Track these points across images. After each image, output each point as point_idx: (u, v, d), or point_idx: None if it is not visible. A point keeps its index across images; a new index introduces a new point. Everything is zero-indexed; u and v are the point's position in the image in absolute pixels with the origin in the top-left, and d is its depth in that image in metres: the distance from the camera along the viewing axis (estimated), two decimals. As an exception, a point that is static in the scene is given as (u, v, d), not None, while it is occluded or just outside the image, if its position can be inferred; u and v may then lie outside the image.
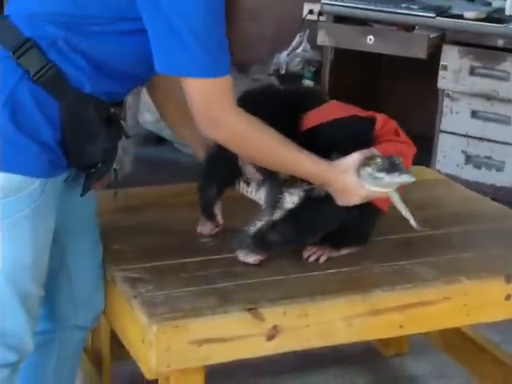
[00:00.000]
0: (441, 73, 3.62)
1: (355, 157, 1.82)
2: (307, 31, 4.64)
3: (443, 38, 3.63)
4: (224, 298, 1.74)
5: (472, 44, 3.58)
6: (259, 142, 1.75)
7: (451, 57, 3.60)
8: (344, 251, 1.97)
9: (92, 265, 1.88)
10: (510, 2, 3.73)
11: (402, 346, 2.72)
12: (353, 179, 1.81)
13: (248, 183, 2.03)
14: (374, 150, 1.87)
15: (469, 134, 3.68)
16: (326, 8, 4.05)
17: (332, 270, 1.89)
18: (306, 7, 4.77)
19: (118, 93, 1.76)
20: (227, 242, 1.96)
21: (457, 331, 2.48)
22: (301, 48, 4.62)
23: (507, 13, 3.73)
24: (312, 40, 4.46)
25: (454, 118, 3.69)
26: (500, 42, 3.52)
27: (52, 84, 1.63)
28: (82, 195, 1.78)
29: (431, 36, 3.60)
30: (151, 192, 2.33)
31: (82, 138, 1.68)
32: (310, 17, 4.76)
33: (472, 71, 3.58)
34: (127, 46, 1.67)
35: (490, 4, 3.93)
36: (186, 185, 2.26)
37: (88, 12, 1.63)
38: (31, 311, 1.71)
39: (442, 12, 3.72)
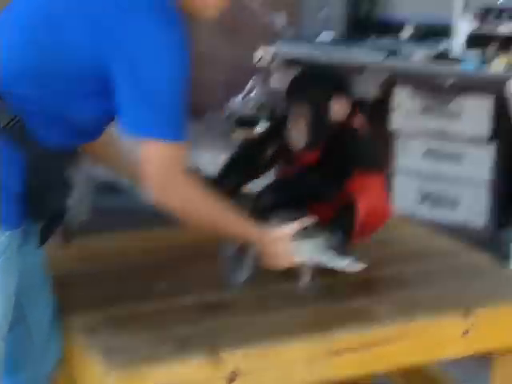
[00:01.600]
0: (393, 113, 3.68)
1: (289, 228, 1.96)
2: (260, 75, 4.69)
3: (393, 79, 3.69)
4: (182, 343, 1.73)
5: (422, 84, 3.64)
6: (206, 212, 1.82)
7: (402, 97, 3.66)
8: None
9: (46, 316, 1.85)
10: (457, 43, 3.81)
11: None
12: (282, 247, 1.94)
13: None
14: (307, 222, 1.99)
15: (422, 172, 3.73)
16: (279, 53, 4.10)
17: (293, 309, 1.89)
18: (258, 53, 4.83)
19: (78, 145, 1.80)
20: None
21: (418, 371, 2.48)
22: (254, 92, 4.67)
23: (454, 54, 3.80)
24: (265, 84, 4.52)
25: (407, 157, 3.74)
26: (449, 81, 3.59)
27: (17, 136, 1.67)
28: (40, 246, 1.77)
29: (382, 77, 3.66)
30: (106, 240, 2.33)
31: (45, 189, 1.71)
32: (260, 64, 4.82)
33: (423, 111, 3.64)
34: (93, 107, 1.71)
35: (436, 46, 4.01)
36: (139, 232, 2.30)
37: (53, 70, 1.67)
38: None
39: (391, 53, 3.78)
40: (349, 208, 2.09)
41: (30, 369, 1.85)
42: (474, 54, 3.68)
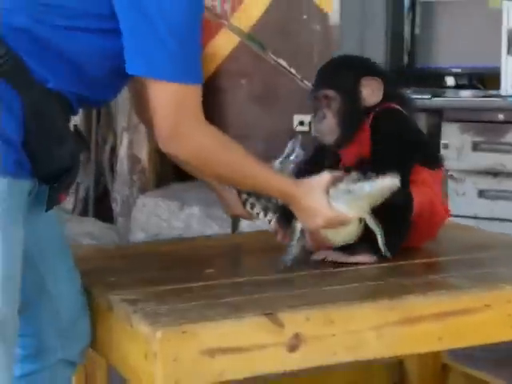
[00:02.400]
0: (442, 151, 3.51)
1: (324, 177, 1.71)
2: (299, 137, 4.57)
3: (441, 116, 3.54)
4: (236, 307, 1.53)
5: (471, 121, 3.49)
6: (226, 158, 1.64)
7: (451, 134, 3.49)
8: (356, 259, 1.79)
9: (72, 290, 1.67)
10: (504, 84, 3.67)
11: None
12: (318, 198, 1.70)
13: (252, 206, 1.90)
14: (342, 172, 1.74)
15: (478, 215, 3.52)
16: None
17: (355, 284, 1.68)
18: (296, 119, 4.74)
19: (84, 97, 1.60)
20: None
21: None
22: (294, 155, 4.54)
23: (502, 93, 3.67)
24: (304, 147, 4.40)
25: (460, 199, 3.54)
26: (500, 117, 3.44)
27: (13, 75, 1.48)
28: (47, 210, 1.58)
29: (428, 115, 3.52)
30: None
31: (47, 138, 1.52)
32: (300, 128, 4.71)
33: (475, 147, 3.47)
34: (93, 45, 1.54)
35: (483, 89, 3.89)
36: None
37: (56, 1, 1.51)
38: (8, 342, 1.49)
39: (437, 94, 3.66)
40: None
41: (61, 348, 1.64)
42: (523, 91, 3.55)
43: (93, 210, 4.61)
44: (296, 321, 1.49)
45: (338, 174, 1.72)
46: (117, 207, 4.56)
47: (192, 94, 1.56)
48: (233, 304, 1.54)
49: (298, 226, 1.77)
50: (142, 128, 4.58)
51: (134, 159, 4.57)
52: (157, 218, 4.32)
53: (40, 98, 1.50)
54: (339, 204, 1.69)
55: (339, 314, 1.52)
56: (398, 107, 1.90)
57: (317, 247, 1.82)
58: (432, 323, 1.59)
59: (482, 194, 3.51)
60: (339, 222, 1.71)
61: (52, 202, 1.58)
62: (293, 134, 4.55)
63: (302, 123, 4.80)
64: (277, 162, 4.81)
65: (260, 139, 4.80)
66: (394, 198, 1.73)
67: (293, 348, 1.49)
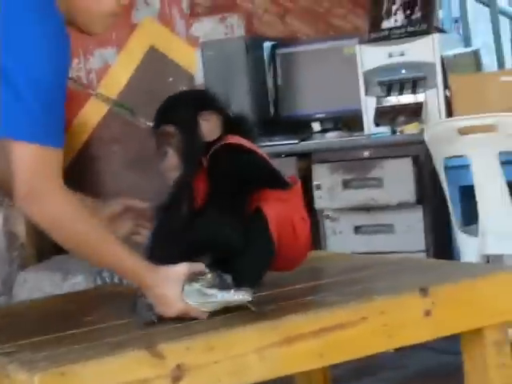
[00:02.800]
0: (316, 193, 3.60)
1: (182, 269, 1.68)
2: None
3: (310, 159, 3.65)
4: (117, 345, 1.52)
5: (339, 160, 3.61)
6: (79, 230, 1.61)
7: (322, 175, 3.60)
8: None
9: None
10: (367, 123, 3.82)
11: None
12: (172, 290, 1.66)
13: None
14: (203, 266, 1.71)
15: (355, 251, 3.61)
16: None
17: (236, 312, 1.69)
18: (173, 179, 4.77)
19: None
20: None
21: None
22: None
23: (366, 132, 3.81)
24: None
25: (337, 238, 3.63)
26: (366, 154, 3.57)
27: None
28: None
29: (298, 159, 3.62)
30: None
31: None
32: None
33: (346, 185, 3.58)
34: None
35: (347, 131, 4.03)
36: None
37: None
38: None
39: (305, 138, 3.77)
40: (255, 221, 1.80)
41: None
42: (385, 128, 3.70)
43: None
44: (177, 351, 1.49)
45: (197, 267, 1.69)
46: (-3, 286, 4.46)
47: (52, 157, 1.57)
48: (113, 342, 1.53)
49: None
50: (17, 203, 4.53)
51: (11, 235, 4.49)
52: (39, 292, 4.23)
53: None
54: (191, 302, 1.67)
55: (220, 340, 1.53)
56: (235, 141, 1.88)
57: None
58: (312, 340, 1.61)
59: (357, 230, 3.62)
60: (193, 315, 1.67)
61: None
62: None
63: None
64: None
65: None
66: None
67: (176, 379, 1.48)
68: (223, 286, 1.67)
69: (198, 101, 1.92)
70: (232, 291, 1.66)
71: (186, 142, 1.85)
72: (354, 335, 1.67)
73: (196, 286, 1.67)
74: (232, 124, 1.91)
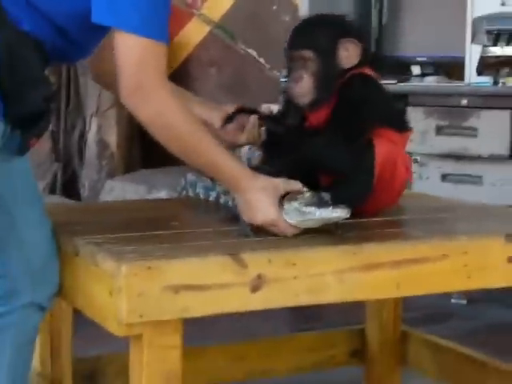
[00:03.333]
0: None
1: (279, 182, 1.68)
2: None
3: (406, 101, 3.61)
4: (201, 248, 1.56)
5: (436, 105, 3.56)
6: (181, 128, 1.60)
7: (416, 118, 3.56)
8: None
9: (43, 234, 1.68)
10: (468, 71, 3.75)
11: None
12: (267, 198, 1.64)
13: None
14: (300, 185, 1.70)
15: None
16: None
17: (318, 235, 1.72)
18: (265, 106, 4.78)
19: (58, 47, 1.62)
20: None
21: (451, 352, 2.30)
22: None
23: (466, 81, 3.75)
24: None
25: (424, 183, 3.60)
26: (463, 102, 3.51)
27: None
28: (19, 154, 1.60)
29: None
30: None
31: (21, 80, 1.53)
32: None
33: (439, 131, 3.53)
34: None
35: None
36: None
37: None
38: None
39: (403, 80, 3.73)
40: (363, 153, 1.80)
41: (31, 291, 1.66)
42: (486, 78, 3.62)
43: (60, 195, 4.61)
44: (259, 262, 1.53)
45: (294, 186, 1.69)
46: (84, 192, 4.57)
47: (160, 51, 1.57)
48: (198, 246, 1.58)
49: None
50: (111, 113, 4.61)
51: (102, 144, 4.58)
52: (124, 201, 4.34)
53: (14, 39, 1.52)
54: (289, 220, 1.66)
55: (301, 257, 1.57)
56: (368, 73, 1.90)
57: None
58: (391, 270, 1.63)
59: (445, 177, 3.58)
60: (281, 228, 1.66)
61: (24, 147, 1.59)
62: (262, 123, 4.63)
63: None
64: (245, 149, 4.86)
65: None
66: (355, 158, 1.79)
67: (255, 288, 1.52)
68: (321, 204, 1.65)
69: (338, 27, 1.91)
70: (330, 208, 1.64)
71: (323, 68, 1.86)
72: (433, 271, 1.67)
73: (294, 204, 1.66)
74: (367, 56, 1.90)
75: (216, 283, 1.49)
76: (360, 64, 1.89)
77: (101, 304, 1.52)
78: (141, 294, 1.43)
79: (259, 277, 1.52)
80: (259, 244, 1.61)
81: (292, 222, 1.66)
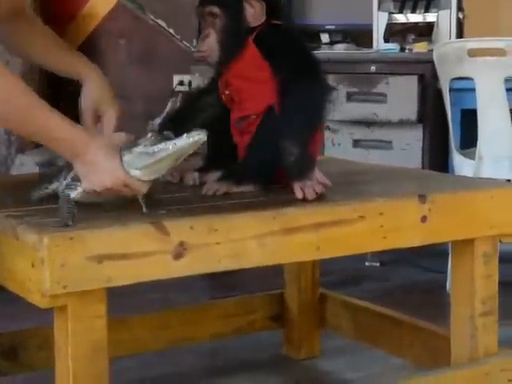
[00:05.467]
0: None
1: (116, 136, 1.61)
2: (179, 96, 4.60)
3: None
4: (123, 215, 1.57)
5: (345, 72, 3.61)
6: (9, 92, 1.48)
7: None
8: (243, 188, 1.83)
9: None
10: (376, 38, 3.81)
11: (314, 348, 2.54)
12: (110, 156, 1.53)
13: None
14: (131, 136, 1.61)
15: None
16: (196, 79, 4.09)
17: (238, 200, 1.75)
18: (176, 79, 4.76)
19: None
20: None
21: (368, 312, 2.37)
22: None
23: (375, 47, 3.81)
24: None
25: (336, 150, 3.66)
26: (372, 68, 3.57)
27: None
28: None
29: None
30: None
31: None
32: (179, 88, 4.74)
33: (349, 97, 3.59)
34: None
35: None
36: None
37: None
38: None
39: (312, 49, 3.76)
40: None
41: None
42: (394, 45, 3.69)
43: (-31, 172, 4.52)
44: (180, 229, 1.54)
45: (127, 136, 1.60)
46: (-6, 168, 4.49)
47: None
48: (119, 215, 1.58)
49: None
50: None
51: (10, 119, 4.50)
52: (36, 177, 4.28)
53: None
54: (138, 170, 1.54)
55: (222, 223, 1.58)
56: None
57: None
58: (310, 233, 1.67)
59: (356, 143, 3.65)
60: (133, 187, 1.56)
61: None
62: (172, 94, 4.60)
63: (181, 83, 4.82)
64: (157, 120, 4.80)
65: (140, 100, 4.81)
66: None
67: (178, 256, 1.54)
68: (169, 140, 1.52)
69: None
70: (184, 136, 1.50)
71: (229, 24, 1.87)
72: (351, 232, 1.72)
73: (138, 149, 1.53)
74: (277, 13, 1.91)
75: (139, 251, 1.50)
76: (268, 20, 1.89)
77: (23, 277, 1.51)
78: (64, 265, 1.43)
79: (181, 244, 1.54)
80: (180, 212, 1.62)
81: (142, 171, 1.53)
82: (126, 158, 1.54)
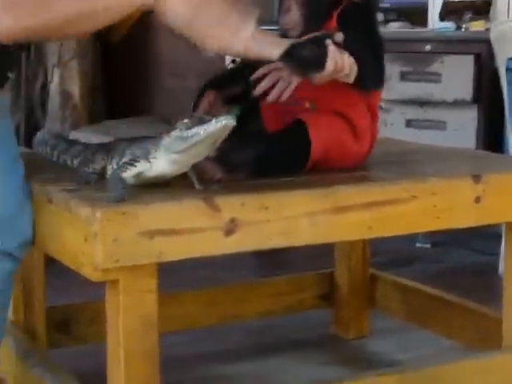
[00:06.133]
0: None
1: None
2: (232, 73, 4.60)
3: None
4: (175, 191, 1.57)
5: (400, 51, 3.57)
6: None
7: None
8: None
9: (13, 181, 1.65)
10: (432, 17, 3.77)
11: (363, 328, 2.53)
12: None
13: None
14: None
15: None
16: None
17: (290, 178, 1.73)
18: (229, 57, 4.76)
19: None
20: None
21: (418, 293, 2.35)
22: (227, 91, 4.57)
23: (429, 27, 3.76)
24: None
25: (388, 129, 3.63)
26: (427, 47, 3.52)
27: None
28: None
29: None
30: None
31: None
32: (232, 66, 4.74)
33: (403, 77, 3.55)
34: None
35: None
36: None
37: None
38: None
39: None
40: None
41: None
42: (449, 24, 3.64)
43: (24, 146, 4.58)
44: (232, 206, 1.54)
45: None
46: (48, 143, 4.54)
47: None
48: (172, 191, 1.59)
49: None
50: (73, 64, 4.57)
51: (65, 95, 4.54)
52: (88, 153, 4.32)
53: None
54: (171, 154, 1.55)
55: (274, 200, 1.58)
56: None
57: None
58: (362, 212, 1.66)
59: (409, 123, 3.61)
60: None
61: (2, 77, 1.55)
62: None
63: (233, 61, 4.82)
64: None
65: (193, 76, 4.82)
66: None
67: (229, 232, 1.54)
68: (203, 122, 1.50)
69: None
70: (213, 121, 1.49)
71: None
72: (403, 212, 1.70)
73: (175, 133, 1.53)
74: None
75: (190, 227, 1.51)
76: None
77: (76, 250, 1.52)
78: (116, 240, 1.44)
79: (232, 220, 1.54)
80: (233, 188, 1.62)
81: (177, 156, 1.54)
82: (164, 141, 1.56)
